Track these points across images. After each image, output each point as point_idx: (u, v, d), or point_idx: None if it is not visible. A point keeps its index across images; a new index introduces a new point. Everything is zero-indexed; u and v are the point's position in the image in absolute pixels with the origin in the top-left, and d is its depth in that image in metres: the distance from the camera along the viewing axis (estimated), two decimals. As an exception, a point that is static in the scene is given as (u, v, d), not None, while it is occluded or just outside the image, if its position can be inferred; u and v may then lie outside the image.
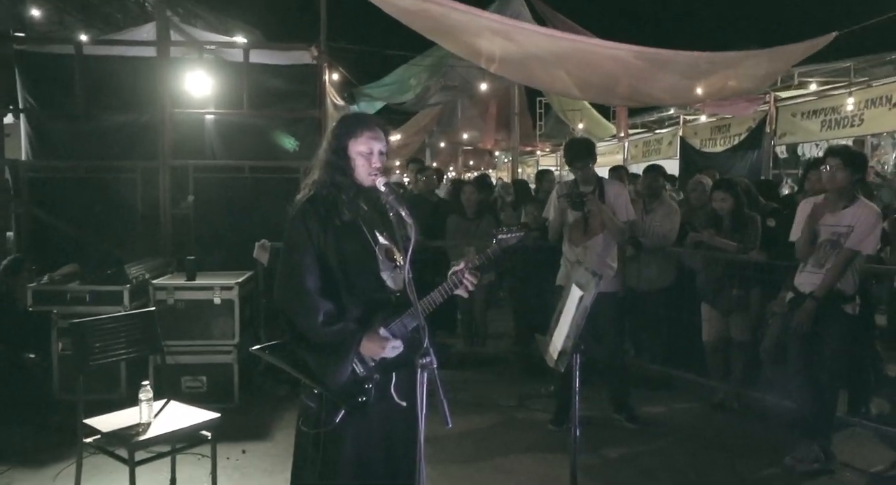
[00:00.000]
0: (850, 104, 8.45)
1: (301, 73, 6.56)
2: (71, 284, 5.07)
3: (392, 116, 13.76)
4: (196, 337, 5.00)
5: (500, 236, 2.63)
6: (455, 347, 6.95)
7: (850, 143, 8.04)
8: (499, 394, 5.50)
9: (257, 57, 6.52)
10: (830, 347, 4.01)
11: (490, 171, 24.73)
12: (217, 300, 5.02)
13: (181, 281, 5.12)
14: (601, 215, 4.58)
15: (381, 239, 2.50)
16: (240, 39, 7.91)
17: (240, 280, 5.13)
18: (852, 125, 8.57)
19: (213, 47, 6.66)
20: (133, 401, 3.43)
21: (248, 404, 5.06)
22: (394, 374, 2.42)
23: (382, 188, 2.44)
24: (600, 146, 17.14)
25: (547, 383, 5.59)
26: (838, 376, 4.19)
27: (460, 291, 2.52)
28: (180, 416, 3.41)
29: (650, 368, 5.78)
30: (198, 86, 6.27)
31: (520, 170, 16.22)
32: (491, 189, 8.71)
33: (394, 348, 2.35)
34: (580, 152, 4.73)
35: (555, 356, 2.63)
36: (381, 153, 2.50)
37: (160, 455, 3.38)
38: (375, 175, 2.46)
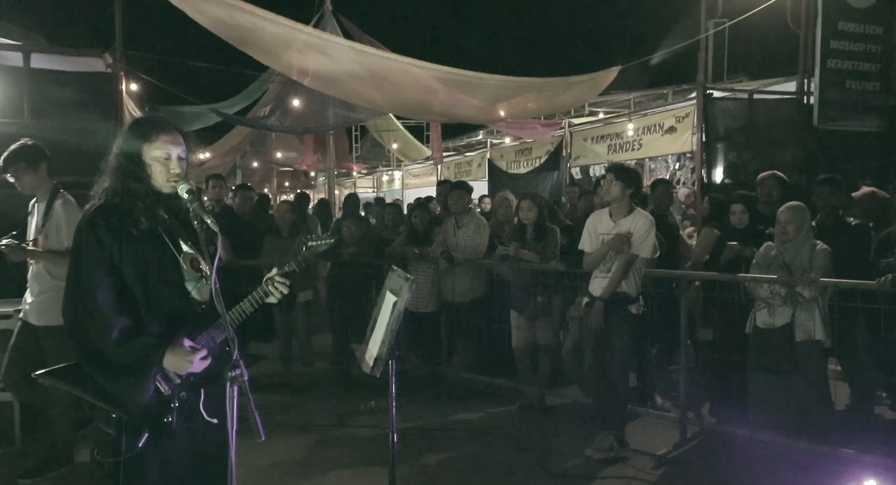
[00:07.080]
0: (630, 130, 9.49)
1: (93, 82, 6.05)
2: None
3: (203, 134, 13.01)
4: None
5: (309, 243, 2.62)
6: (269, 357, 6.77)
7: (631, 164, 8.99)
8: (318, 414, 5.40)
9: (41, 62, 5.92)
10: (618, 344, 4.44)
11: (308, 191, 24.32)
12: (-10, 331, 4.43)
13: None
14: None
15: (185, 248, 2.38)
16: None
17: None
18: (633, 149, 9.63)
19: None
20: None
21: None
22: (202, 390, 2.30)
23: (185, 195, 2.32)
24: (415, 167, 17.75)
25: (366, 398, 5.59)
26: (626, 370, 4.65)
27: (271, 299, 2.46)
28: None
29: (465, 376, 6.00)
30: (-33, 91, 5.55)
31: (336, 191, 16.10)
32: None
33: (201, 361, 2.22)
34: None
35: (370, 363, 2.65)
36: (179, 158, 2.38)
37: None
38: (175, 181, 2.34)
